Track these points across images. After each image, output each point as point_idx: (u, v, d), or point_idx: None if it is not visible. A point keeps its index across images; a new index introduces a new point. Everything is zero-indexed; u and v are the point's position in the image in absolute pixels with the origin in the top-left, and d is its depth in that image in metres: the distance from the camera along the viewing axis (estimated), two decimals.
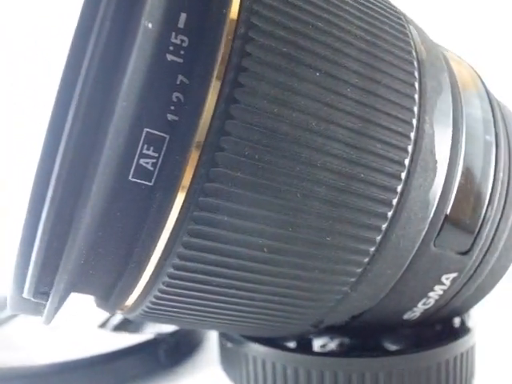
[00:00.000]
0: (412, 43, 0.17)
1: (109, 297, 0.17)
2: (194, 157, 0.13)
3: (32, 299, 0.14)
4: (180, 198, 0.14)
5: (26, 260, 0.13)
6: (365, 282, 0.17)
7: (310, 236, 0.15)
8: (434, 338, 0.22)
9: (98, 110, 0.12)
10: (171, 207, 0.14)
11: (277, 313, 0.18)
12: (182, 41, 0.13)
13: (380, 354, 0.21)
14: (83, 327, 0.29)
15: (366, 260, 0.17)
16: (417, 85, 0.17)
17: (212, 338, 0.30)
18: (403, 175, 0.16)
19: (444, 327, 0.24)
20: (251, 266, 0.15)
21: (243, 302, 0.16)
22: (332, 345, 0.23)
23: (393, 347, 0.23)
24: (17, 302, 0.15)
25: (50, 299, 0.14)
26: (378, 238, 0.16)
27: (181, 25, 0.13)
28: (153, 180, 0.14)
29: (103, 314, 0.31)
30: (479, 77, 0.21)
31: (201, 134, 0.13)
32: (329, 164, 0.15)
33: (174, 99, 0.13)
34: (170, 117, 0.13)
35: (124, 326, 0.29)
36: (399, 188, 0.16)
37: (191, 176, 0.13)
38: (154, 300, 0.16)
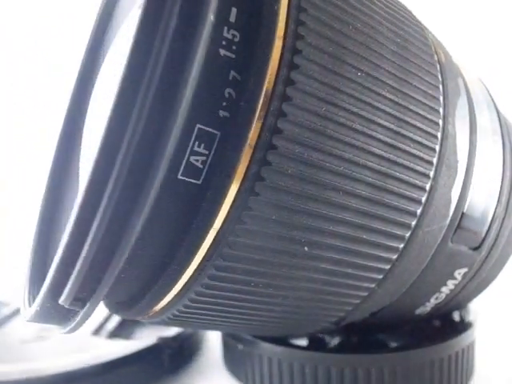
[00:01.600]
0: (432, 47, 0.18)
1: (137, 301, 0.16)
2: (246, 155, 0.13)
3: (66, 306, 0.14)
4: (230, 197, 0.13)
5: (67, 267, 0.12)
6: (390, 278, 0.18)
7: (347, 232, 0.15)
8: (435, 335, 0.23)
9: (163, 108, 0.11)
10: (220, 206, 0.13)
11: (306, 311, 0.18)
12: (234, 36, 0.13)
13: (384, 351, 0.22)
14: (76, 335, 0.27)
15: (395, 257, 0.17)
16: (441, 87, 0.17)
17: (211, 340, 0.29)
18: (431, 174, 0.17)
19: (445, 323, 0.25)
20: (292, 262, 0.15)
21: (278, 301, 0.16)
22: (341, 342, 0.24)
23: (396, 344, 0.23)
24: (46, 310, 0.14)
25: (87, 306, 0.14)
26: (407, 234, 0.17)
27: (232, 19, 0.13)
28: (201, 178, 0.13)
29: (95, 321, 0.29)
30: (484, 85, 0.22)
31: (254, 131, 0.13)
32: (369, 163, 0.15)
33: (226, 95, 0.13)
34: (221, 113, 0.13)
35: (119, 333, 0.28)
36: (428, 186, 0.17)
37: (243, 174, 0.13)
38: (187, 303, 0.15)
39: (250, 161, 0.13)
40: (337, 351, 0.22)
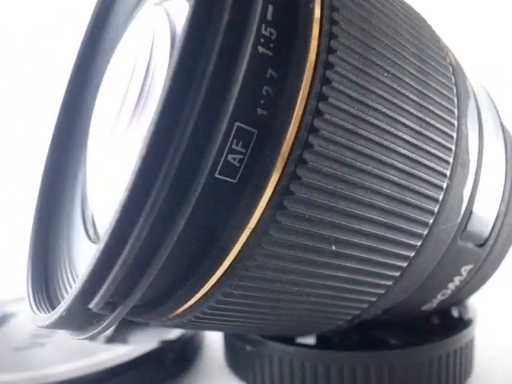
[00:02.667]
0: (444, 49, 0.19)
1: (161, 303, 0.16)
2: (284, 153, 0.13)
3: (95, 310, 0.13)
4: (266, 196, 0.13)
5: (102, 270, 0.12)
6: (406, 275, 0.18)
7: (372, 230, 0.16)
8: (435, 332, 0.23)
9: (208, 107, 0.11)
10: (256, 206, 0.13)
11: (325, 309, 0.18)
12: (271, 33, 0.13)
13: (386, 348, 0.22)
14: (72, 340, 0.26)
15: (413, 254, 0.17)
16: (454, 89, 0.18)
17: (211, 341, 0.29)
18: (448, 173, 0.17)
19: (444, 321, 0.25)
20: (319, 260, 0.15)
21: (301, 299, 0.16)
22: (342, 340, 0.24)
23: (396, 341, 0.23)
24: (72, 315, 0.13)
25: (118, 310, 0.13)
26: (425, 232, 0.17)
27: (269, 17, 0.13)
28: (237, 177, 0.13)
29: None
30: (485, 88, 0.23)
31: (292, 130, 0.13)
32: (395, 162, 0.15)
33: (264, 93, 0.13)
34: (259, 111, 0.13)
35: (116, 337, 0.27)
36: (444, 185, 0.17)
37: (279, 173, 0.13)
38: (213, 305, 0.15)
39: (286, 160, 0.13)
40: (347, 349, 0.22)
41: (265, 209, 0.13)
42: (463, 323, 0.24)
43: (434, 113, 0.16)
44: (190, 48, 0.11)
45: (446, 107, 0.17)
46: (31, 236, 0.23)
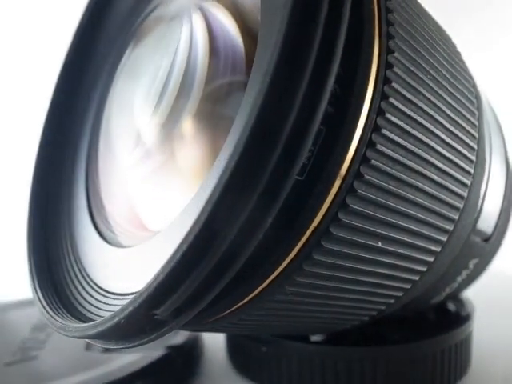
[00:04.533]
0: (468, 71, 0.19)
1: (211, 305, 0.15)
2: (350, 152, 0.13)
3: (159, 317, 0.12)
4: (331, 194, 0.13)
5: (177, 275, 0.11)
6: (431, 270, 0.19)
7: (411, 226, 0.16)
8: (432, 328, 0.24)
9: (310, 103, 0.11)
10: (322, 204, 0.13)
11: (360, 304, 0.18)
12: None
13: (382, 343, 0.22)
14: (68, 351, 0.25)
15: (439, 249, 0.18)
16: (474, 91, 0.19)
17: (211, 343, 0.28)
18: (472, 171, 0.18)
19: (441, 317, 0.26)
20: (366, 256, 0.15)
21: (346, 296, 0.17)
22: (348, 336, 0.24)
23: (395, 337, 0.24)
24: (131, 323, 0.13)
25: (182, 315, 0.12)
26: (451, 228, 0.18)
27: None
28: (304, 175, 0.13)
29: None
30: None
31: (359, 128, 0.13)
32: (434, 160, 0.16)
33: (332, 90, 0.13)
34: (328, 109, 0.13)
35: None
36: (469, 182, 0.18)
37: (345, 171, 0.13)
38: (264, 305, 0.15)
39: (352, 158, 0.13)
40: (364, 345, 0.22)
41: (329, 207, 0.13)
42: (461, 319, 0.25)
43: (462, 116, 0.17)
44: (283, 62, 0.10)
45: (470, 109, 0.18)
46: (29, 233, 0.22)
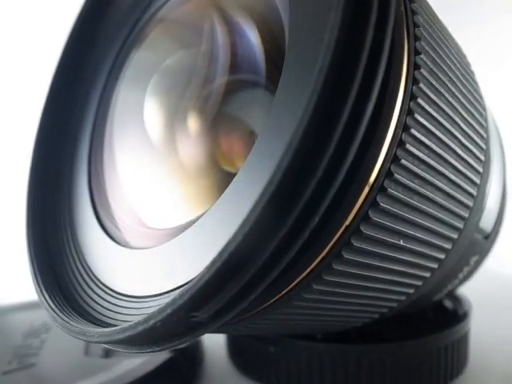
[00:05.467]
0: (480, 89, 0.20)
1: None
2: (383, 151, 0.13)
3: (197, 319, 0.12)
4: (364, 193, 0.13)
5: (223, 279, 0.11)
6: (441, 268, 0.19)
7: (430, 224, 0.16)
8: (430, 326, 0.24)
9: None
10: (355, 203, 0.13)
11: (376, 302, 0.18)
12: None
13: (380, 341, 0.23)
14: (66, 357, 0.24)
15: (450, 247, 0.19)
16: (483, 104, 0.19)
17: (211, 345, 0.28)
18: (481, 170, 0.19)
19: (439, 315, 0.26)
20: (388, 253, 0.16)
21: (368, 294, 0.17)
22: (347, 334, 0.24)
23: (392, 335, 0.24)
24: (167, 325, 0.12)
25: (222, 316, 0.12)
26: (462, 225, 0.19)
27: None
28: (341, 176, 0.13)
29: (80, 342, 0.26)
30: None
31: (391, 128, 0.13)
32: (451, 159, 0.16)
33: None
34: None
35: (113, 350, 0.25)
36: (479, 181, 0.19)
37: (378, 170, 0.13)
38: (295, 303, 0.15)
39: (384, 157, 0.13)
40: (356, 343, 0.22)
41: (361, 206, 0.13)
42: (458, 317, 0.25)
43: (474, 117, 0.18)
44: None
45: (480, 122, 0.19)
46: (29, 231, 0.21)
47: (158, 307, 0.14)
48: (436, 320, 0.26)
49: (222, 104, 0.22)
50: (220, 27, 0.20)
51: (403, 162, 0.14)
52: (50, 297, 0.18)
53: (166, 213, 0.20)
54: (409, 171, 0.14)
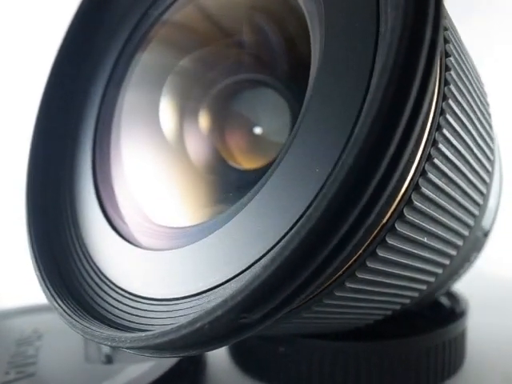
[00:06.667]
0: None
1: None
2: (419, 152, 0.14)
3: (248, 320, 0.12)
4: (400, 193, 0.14)
5: (280, 280, 0.11)
6: (451, 264, 0.20)
7: (446, 220, 0.17)
8: (427, 324, 0.25)
9: None
10: (392, 202, 0.14)
11: (394, 299, 0.19)
12: None
13: (377, 339, 0.23)
14: (67, 365, 0.23)
15: (462, 243, 0.19)
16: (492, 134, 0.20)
17: None
18: (491, 169, 0.20)
19: (437, 313, 0.27)
20: (414, 252, 0.16)
21: (392, 291, 0.17)
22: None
23: (390, 332, 0.24)
24: (214, 328, 0.12)
25: (267, 319, 0.12)
26: (473, 223, 0.19)
27: None
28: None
29: (84, 343, 0.25)
30: None
31: (427, 128, 0.14)
32: (466, 172, 0.17)
33: None
34: None
35: (117, 355, 0.24)
36: (488, 180, 0.19)
37: (413, 170, 0.14)
38: (328, 301, 0.15)
39: (420, 157, 0.14)
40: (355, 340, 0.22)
41: (397, 204, 0.14)
42: (455, 315, 0.26)
43: (488, 134, 0.19)
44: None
45: (491, 128, 0.19)
46: (30, 229, 0.20)
47: (189, 309, 0.14)
48: (434, 318, 0.26)
49: (231, 102, 0.22)
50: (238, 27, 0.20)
51: (436, 160, 0.14)
52: (62, 302, 0.17)
53: (178, 211, 0.20)
54: (438, 169, 0.15)
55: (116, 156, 0.21)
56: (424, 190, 0.14)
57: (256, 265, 0.13)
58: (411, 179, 0.14)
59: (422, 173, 0.14)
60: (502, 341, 0.29)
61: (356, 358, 0.22)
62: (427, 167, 0.14)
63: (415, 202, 0.14)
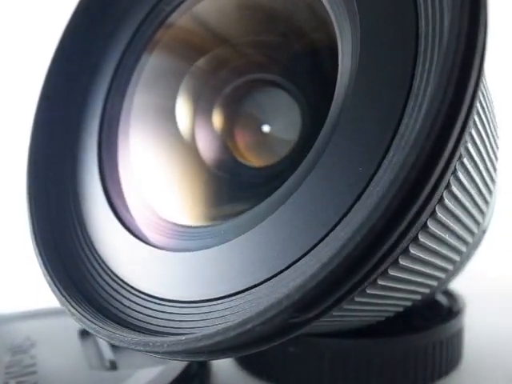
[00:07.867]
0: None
1: None
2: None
3: (297, 320, 0.12)
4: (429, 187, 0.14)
5: (336, 280, 0.11)
6: (459, 260, 0.21)
7: (464, 218, 0.18)
8: (424, 322, 0.25)
9: None
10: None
11: (411, 296, 0.19)
12: None
13: (376, 337, 0.23)
14: (71, 371, 0.22)
15: (471, 240, 0.20)
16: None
17: None
18: (496, 179, 0.20)
19: (434, 312, 0.27)
20: (435, 247, 0.16)
21: (411, 288, 0.17)
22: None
23: (389, 331, 0.24)
24: (262, 329, 0.12)
25: (314, 320, 0.12)
26: (482, 220, 0.20)
27: None
28: None
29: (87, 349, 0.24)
30: None
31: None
32: (478, 180, 0.18)
33: None
34: None
35: (121, 361, 0.23)
36: (493, 188, 0.20)
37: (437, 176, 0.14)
38: (353, 300, 0.15)
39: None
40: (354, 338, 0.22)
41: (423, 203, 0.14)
42: (453, 314, 0.26)
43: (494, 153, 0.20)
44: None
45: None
46: (33, 226, 0.19)
47: (224, 310, 0.14)
48: (431, 316, 0.27)
49: (243, 102, 0.22)
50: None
51: (464, 160, 0.15)
52: (79, 307, 0.17)
53: (195, 211, 0.20)
54: (465, 169, 0.15)
55: (124, 157, 0.20)
56: (454, 188, 0.15)
57: (298, 264, 0.13)
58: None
59: (453, 171, 0.14)
60: (498, 340, 0.29)
61: (356, 357, 0.22)
62: (458, 166, 0.15)
63: (446, 200, 0.15)
